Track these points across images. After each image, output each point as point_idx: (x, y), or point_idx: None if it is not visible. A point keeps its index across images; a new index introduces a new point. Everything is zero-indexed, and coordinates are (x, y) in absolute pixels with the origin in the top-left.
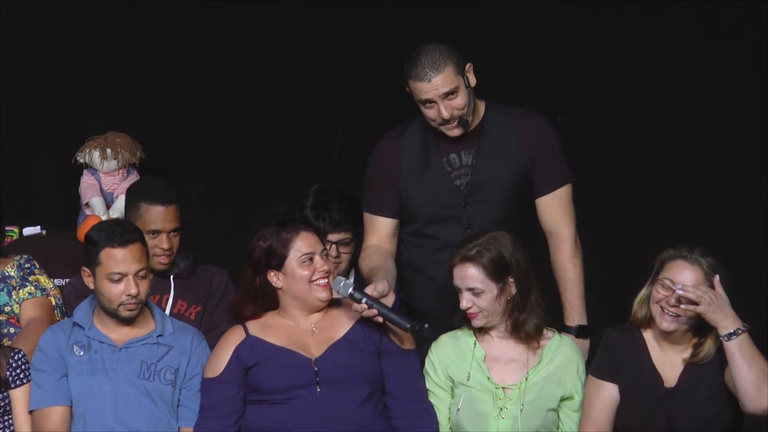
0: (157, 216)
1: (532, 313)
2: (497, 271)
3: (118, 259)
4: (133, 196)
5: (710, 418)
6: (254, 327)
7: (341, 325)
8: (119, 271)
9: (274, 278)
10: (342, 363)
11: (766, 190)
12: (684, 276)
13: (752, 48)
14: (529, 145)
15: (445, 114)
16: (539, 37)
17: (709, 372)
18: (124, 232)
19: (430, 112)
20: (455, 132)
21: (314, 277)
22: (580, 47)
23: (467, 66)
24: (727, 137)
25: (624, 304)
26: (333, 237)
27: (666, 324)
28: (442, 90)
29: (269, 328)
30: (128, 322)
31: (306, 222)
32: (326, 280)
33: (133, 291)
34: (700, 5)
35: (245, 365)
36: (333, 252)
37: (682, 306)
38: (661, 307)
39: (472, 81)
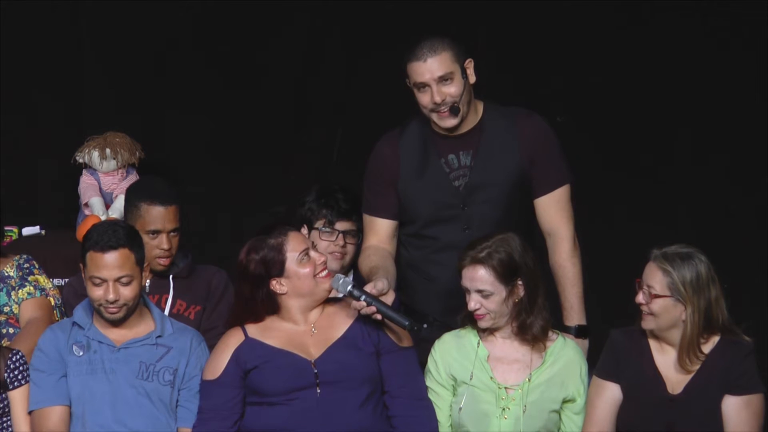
0: (156, 216)
1: (538, 316)
2: (507, 274)
3: (99, 264)
4: (133, 196)
5: None
6: (253, 329)
7: (340, 324)
8: (99, 276)
9: (278, 285)
10: (341, 364)
11: (766, 190)
12: (647, 275)
13: (752, 51)
14: (527, 145)
15: (437, 98)
16: (540, 39)
17: (715, 391)
18: (112, 237)
19: (423, 98)
20: (447, 122)
21: (316, 271)
22: (579, 49)
23: (467, 61)
24: (726, 139)
25: (624, 304)
26: (340, 226)
27: (643, 323)
28: (437, 73)
29: (268, 330)
30: (114, 323)
31: (288, 223)
32: (327, 271)
33: (111, 297)
34: (699, 7)
35: (244, 368)
36: (340, 241)
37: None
38: (641, 308)
39: (471, 77)
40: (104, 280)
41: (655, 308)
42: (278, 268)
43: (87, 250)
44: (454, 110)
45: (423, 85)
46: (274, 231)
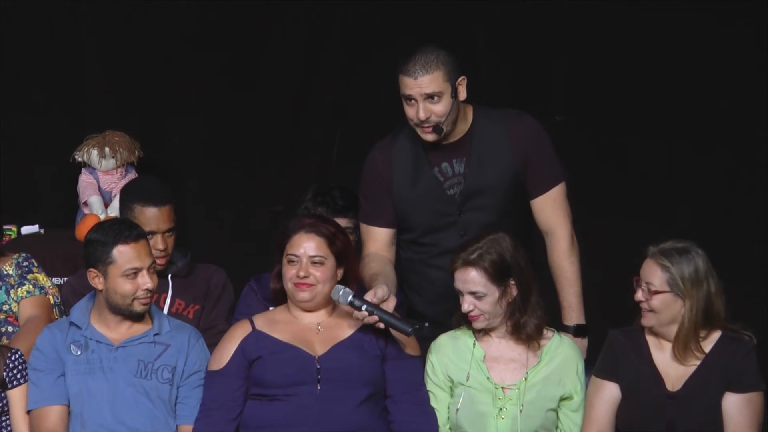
0: (151, 217)
1: (532, 315)
2: (499, 274)
3: (132, 254)
4: (127, 197)
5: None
6: (261, 322)
7: (347, 326)
8: (134, 267)
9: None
10: (345, 363)
11: (766, 190)
12: (645, 272)
13: (753, 50)
14: (520, 147)
15: (422, 115)
16: (539, 37)
17: (716, 388)
18: (131, 228)
19: (409, 110)
20: (429, 137)
21: (294, 280)
22: (579, 48)
23: (460, 78)
24: (726, 137)
25: (624, 304)
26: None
27: (643, 320)
28: (425, 90)
29: (276, 324)
30: (139, 317)
31: (315, 225)
32: (306, 287)
33: (150, 285)
34: (700, 6)
35: (249, 358)
36: None
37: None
38: (640, 306)
39: (462, 95)
40: (140, 270)
41: (655, 304)
42: (279, 250)
43: (113, 246)
44: (437, 130)
45: (410, 98)
46: (296, 219)
